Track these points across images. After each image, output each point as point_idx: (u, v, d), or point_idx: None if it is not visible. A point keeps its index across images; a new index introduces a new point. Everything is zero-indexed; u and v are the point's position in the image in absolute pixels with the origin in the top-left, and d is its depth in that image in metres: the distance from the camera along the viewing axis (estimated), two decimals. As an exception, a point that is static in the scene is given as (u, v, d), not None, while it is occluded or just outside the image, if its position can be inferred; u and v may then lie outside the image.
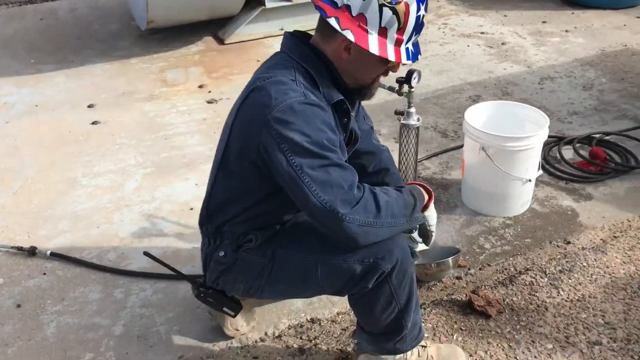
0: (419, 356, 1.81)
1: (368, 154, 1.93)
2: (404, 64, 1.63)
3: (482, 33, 4.62)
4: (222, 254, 1.73)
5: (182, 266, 2.32)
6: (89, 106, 3.66)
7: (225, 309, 1.88)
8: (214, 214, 1.74)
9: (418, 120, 2.14)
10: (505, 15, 4.95)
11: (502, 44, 4.41)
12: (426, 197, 1.81)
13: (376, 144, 1.98)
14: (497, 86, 3.77)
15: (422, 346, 1.83)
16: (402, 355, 1.78)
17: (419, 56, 1.65)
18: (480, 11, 5.07)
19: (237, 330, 2.01)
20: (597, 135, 3.11)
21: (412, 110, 2.12)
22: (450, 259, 2.11)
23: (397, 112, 2.18)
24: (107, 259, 2.41)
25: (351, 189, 1.51)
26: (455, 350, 1.88)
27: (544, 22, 4.79)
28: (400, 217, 1.61)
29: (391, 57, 1.56)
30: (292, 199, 1.57)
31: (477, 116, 2.61)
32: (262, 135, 1.52)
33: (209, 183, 1.78)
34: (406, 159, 2.24)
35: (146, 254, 1.88)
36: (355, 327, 1.88)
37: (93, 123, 3.46)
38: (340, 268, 1.62)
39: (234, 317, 1.91)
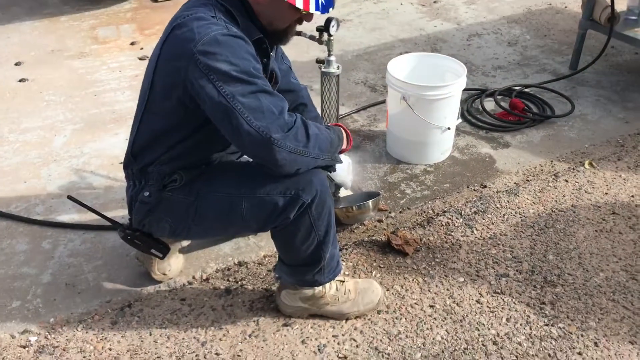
0: (337, 290, 1.92)
1: (288, 92, 2.00)
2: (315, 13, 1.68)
3: (415, -9, 4.70)
4: (146, 194, 1.77)
5: (112, 217, 2.35)
6: (17, 64, 3.58)
7: (153, 250, 1.93)
8: (139, 155, 1.77)
9: (338, 68, 2.21)
10: (438, -25, 5.04)
11: (434, 2, 4.50)
12: (345, 142, 1.89)
13: (295, 82, 2.05)
14: (427, 42, 3.88)
15: (340, 281, 1.94)
16: (321, 288, 1.88)
17: (331, 8, 1.70)
18: (415, -30, 5.14)
19: (165, 274, 2.07)
20: (517, 88, 3.26)
21: (332, 58, 2.19)
22: (370, 202, 2.22)
23: (318, 61, 2.24)
24: (35, 212, 2.42)
25: (282, 114, 1.57)
26: (371, 283, 2.00)
27: (475, -19, 4.91)
28: (325, 152, 1.70)
29: (299, 4, 1.61)
30: (222, 131, 1.60)
31: (400, 68, 2.70)
32: (190, 70, 1.54)
33: (133, 125, 1.80)
34: (328, 107, 2.31)
35: (70, 197, 1.89)
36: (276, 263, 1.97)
37: (20, 80, 3.39)
38: (264, 201, 1.69)
39: (162, 258, 1.96)
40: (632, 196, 2.49)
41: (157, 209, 1.79)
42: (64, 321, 1.94)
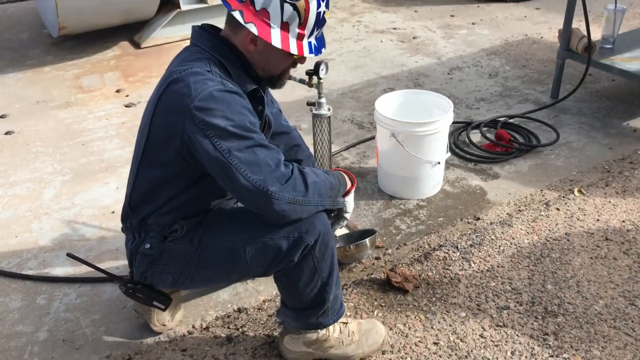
0: (340, 332, 1.90)
1: (281, 135, 2.03)
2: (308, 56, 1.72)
3: (394, 28, 4.80)
4: (147, 246, 1.76)
5: (107, 268, 2.32)
6: (2, 116, 3.56)
7: (155, 302, 1.90)
8: (138, 207, 1.76)
9: (329, 110, 2.24)
10: (415, 11, 5.16)
11: (414, 38, 4.60)
12: (349, 184, 1.90)
13: (286, 124, 2.08)
14: (409, 78, 3.94)
15: (344, 323, 1.93)
16: (324, 331, 1.87)
17: (323, 49, 1.74)
18: (392, 8, 5.27)
19: (164, 325, 2.04)
20: (502, 119, 3.32)
21: (323, 100, 2.21)
22: (367, 240, 2.22)
23: (309, 104, 2.27)
24: (27, 267, 2.38)
25: (278, 167, 1.59)
26: (375, 324, 1.99)
27: (452, 15, 5.04)
28: (326, 197, 1.71)
29: (293, 50, 1.64)
30: (220, 183, 1.62)
31: (388, 105, 2.74)
32: (186, 125, 1.56)
33: (130, 177, 1.80)
34: (321, 148, 2.33)
35: (70, 255, 1.87)
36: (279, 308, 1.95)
37: (7, 133, 3.37)
38: (267, 245, 1.69)
39: (164, 310, 1.94)
40: (623, 221, 2.53)
41: (159, 260, 1.77)
42: (63, 380, 1.89)
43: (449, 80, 3.90)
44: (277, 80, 1.78)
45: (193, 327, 2.09)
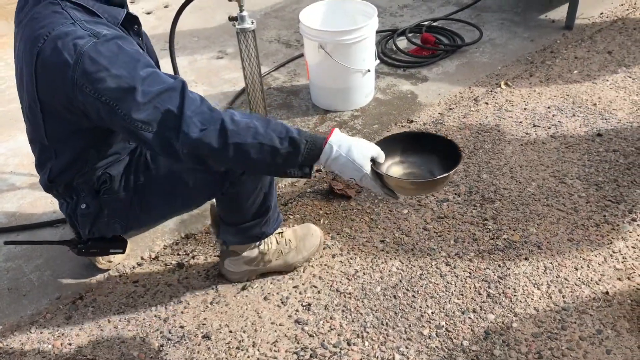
0: (277, 243, 1.92)
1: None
2: None
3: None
4: (83, 206, 1.71)
5: (43, 214, 2.26)
6: None
7: (112, 250, 1.87)
8: (58, 177, 1.67)
9: (252, 23, 2.17)
10: None
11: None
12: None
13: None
14: (332, -8, 3.87)
15: (279, 233, 1.94)
16: (263, 245, 1.88)
17: None
18: None
19: (111, 262, 2.01)
20: (426, 23, 3.33)
21: (245, 14, 2.14)
22: (452, 172, 1.49)
23: (230, 18, 2.19)
24: (-43, 224, 2.28)
25: (181, 112, 1.37)
26: (309, 227, 2.01)
27: None
28: (265, 130, 1.41)
29: None
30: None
31: (313, 17, 2.69)
32: (78, 96, 1.40)
33: (39, 160, 1.69)
34: (249, 64, 2.27)
35: (9, 242, 1.81)
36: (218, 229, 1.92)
37: None
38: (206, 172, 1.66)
39: (123, 253, 1.90)
40: (548, 107, 2.63)
41: (102, 214, 1.73)
42: (15, 326, 1.85)
43: (371, -10, 3.85)
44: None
45: (142, 258, 2.07)
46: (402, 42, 3.19)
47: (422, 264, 1.95)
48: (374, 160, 1.49)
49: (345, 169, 1.46)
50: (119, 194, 1.71)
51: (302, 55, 3.10)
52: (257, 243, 1.88)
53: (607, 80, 2.75)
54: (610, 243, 1.98)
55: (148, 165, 1.74)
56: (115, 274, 2.02)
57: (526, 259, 1.94)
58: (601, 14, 3.34)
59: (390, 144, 1.58)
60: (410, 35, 3.22)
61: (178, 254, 2.08)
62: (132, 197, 1.72)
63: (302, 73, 3.04)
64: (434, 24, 3.34)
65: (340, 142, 1.46)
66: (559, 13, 3.33)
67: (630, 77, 2.76)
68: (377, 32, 2.74)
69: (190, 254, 2.07)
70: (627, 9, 3.35)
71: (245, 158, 1.41)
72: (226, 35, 3.40)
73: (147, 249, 2.10)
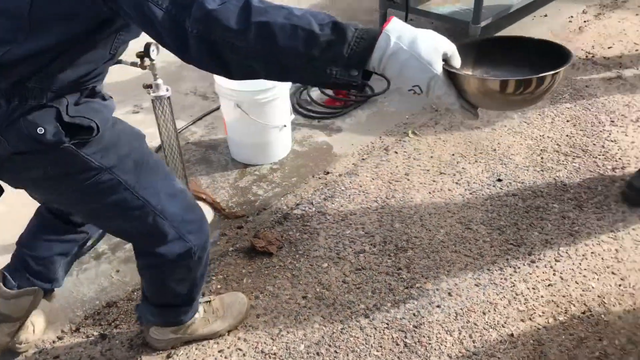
0: (205, 312, 1.94)
1: None
2: None
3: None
4: (41, 131, 1.32)
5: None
6: None
7: None
8: (14, 65, 1.26)
9: (167, 90, 2.22)
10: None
11: None
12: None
13: None
14: (246, 42, 3.96)
15: (207, 301, 1.98)
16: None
17: None
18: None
19: (28, 343, 1.96)
20: (338, 73, 3.48)
21: (159, 81, 2.19)
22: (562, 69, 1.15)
23: (145, 86, 2.23)
24: None
25: None
26: (236, 295, 2.05)
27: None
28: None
29: None
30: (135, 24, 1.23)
31: (227, 75, 2.76)
32: None
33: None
34: (166, 130, 2.31)
35: None
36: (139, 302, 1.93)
37: None
38: (155, 221, 1.58)
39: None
40: (453, 154, 2.82)
41: (47, 158, 1.39)
42: None
43: (284, 39, 3.98)
44: None
45: (62, 331, 2.04)
46: (315, 93, 3.32)
47: (343, 318, 2.04)
48: (446, 60, 1.12)
49: (408, 68, 1.08)
50: (89, 150, 1.41)
51: (218, 108, 3.16)
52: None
53: (505, 126, 2.99)
54: (513, 286, 2.15)
55: (138, 165, 1.54)
56: (34, 350, 1.97)
57: (438, 306, 2.07)
58: (497, 61, 3.61)
59: (461, 52, 1.16)
60: (323, 85, 3.35)
61: (100, 324, 2.06)
62: (95, 169, 1.44)
63: (219, 126, 3.10)
64: (345, 73, 3.49)
65: (400, 31, 1.09)
66: (459, 61, 3.57)
67: (525, 122, 3.01)
68: (291, 84, 2.85)
69: (113, 323, 2.06)
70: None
71: (271, 45, 1.08)
72: (141, 88, 3.40)
73: (67, 321, 2.07)
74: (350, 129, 3.06)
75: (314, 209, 2.53)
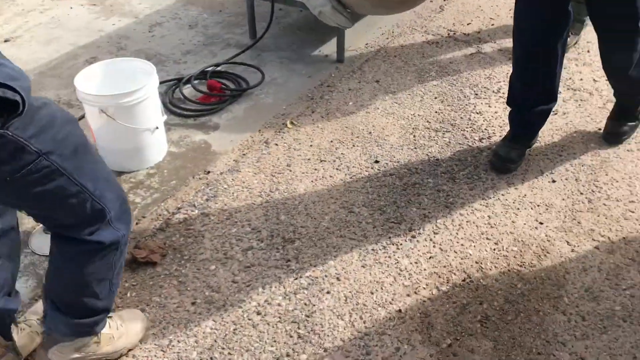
0: (110, 327, 1.85)
1: None
2: None
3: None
4: None
5: None
6: None
7: None
8: None
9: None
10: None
11: (105, -1, 4.37)
12: None
13: None
14: (111, 43, 3.78)
15: (109, 317, 1.88)
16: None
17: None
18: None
19: None
20: (210, 68, 3.41)
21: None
22: None
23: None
24: None
25: None
26: (134, 312, 1.99)
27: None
28: None
29: None
30: None
31: (89, 81, 2.61)
32: None
33: None
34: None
35: None
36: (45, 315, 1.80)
37: None
38: (92, 202, 1.55)
39: None
40: (331, 141, 2.85)
41: None
42: None
43: (152, 38, 3.84)
44: None
45: None
46: (188, 91, 3.23)
47: (235, 318, 2.01)
48: None
49: None
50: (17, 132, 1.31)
51: (84, 116, 2.99)
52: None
53: (378, 108, 3.07)
54: (397, 262, 2.22)
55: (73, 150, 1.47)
56: None
57: (328, 292, 2.10)
58: (366, 44, 3.70)
59: None
60: (196, 82, 3.27)
61: (-30, 364, 1.89)
62: (31, 153, 1.36)
63: (87, 134, 2.92)
64: (218, 68, 3.43)
65: None
66: (330, 47, 3.62)
67: (397, 103, 3.10)
68: (162, 82, 2.75)
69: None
70: (387, 38, 3.75)
71: None
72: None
73: None
74: (228, 125, 3.01)
75: (196, 211, 2.47)
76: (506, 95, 2.68)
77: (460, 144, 2.80)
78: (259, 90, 3.26)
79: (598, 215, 2.40)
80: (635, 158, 2.68)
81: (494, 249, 2.27)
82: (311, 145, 2.83)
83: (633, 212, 2.41)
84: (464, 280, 2.15)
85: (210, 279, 2.16)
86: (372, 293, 2.10)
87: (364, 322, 1.99)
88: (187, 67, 3.50)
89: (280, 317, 2.01)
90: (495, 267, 2.20)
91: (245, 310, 2.04)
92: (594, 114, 2.97)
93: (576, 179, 2.58)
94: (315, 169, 2.68)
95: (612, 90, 2.74)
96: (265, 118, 3.05)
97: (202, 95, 3.19)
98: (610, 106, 2.89)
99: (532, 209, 2.44)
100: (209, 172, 2.70)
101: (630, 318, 2.00)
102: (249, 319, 2.01)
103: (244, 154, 2.80)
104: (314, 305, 2.05)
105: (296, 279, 2.15)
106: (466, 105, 3.06)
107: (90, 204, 1.54)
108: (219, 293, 2.11)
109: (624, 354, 1.89)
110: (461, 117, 2.97)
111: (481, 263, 2.21)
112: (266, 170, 2.68)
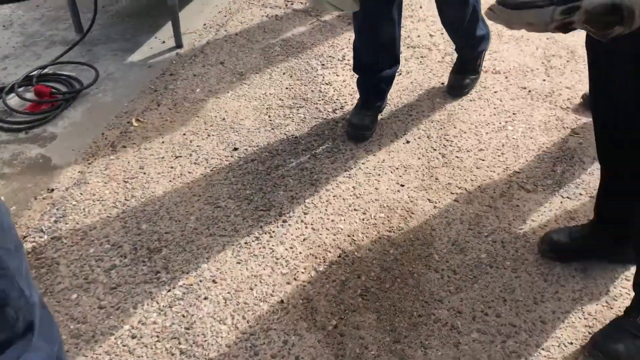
0: None
1: None
2: None
3: None
4: None
5: None
6: None
7: None
8: None
9: None
10: None
11: None
12: None
13: None
14: None
15: None
16: None
17: None
18: None
19: None
20: (35, 73, 3.07)
21: None
22: None
23: None
24: None
25: None
26: None
27: None
28: None
29: None
30: None
31: None
32: None
33: None
34: None
35: None
36: None
37: None
38: None
39: None
40: (184, 134, 2.70)
41: None
42: None
43: (-41, 45, 3.38)
44: None
45: None
46: (14, 100, 2.89)
47: (108, 348, 1.86)
48: None
49: None
50: None
51: None
52: None
53: (228, 92, 2.95)
54: (273, 251, 2.16)
55: None
56: None
57: (206, 298, 2.00)
58: (204, 25, 3.53)
59: None
60: (21, 90, 2.94)
61: None
62: None
63: None
64: (45, 71, 3.10)
65: None
66: (167, 32, 3.41)
67: (246, 84, 3.00)
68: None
69: None
70: (225, 16, 3.61)
71: None
72: None
73: None
74: (67, 133, 2.74)
75: (45, 236, 2.23)
76: (352, 62, 2.69)
77: (315, 118, 2.78)
78: (95, 90, 3.00)
79: (453, 169, 2.50)
80: (478, 107, 2.83)
81: (363, 219, 2.29)
82: (163, 142, 2.66)
83: (483, 159, 2.55)
84: (339, 257, 2.15)
85: (73, 309, 1.97)
86: (251, 289, 2.04)
87: (248, 322, 1.93)
88: (8, 73, 3.13)
89: (158, 336, 1.89)
90: (366, 237, 2.23)
91: (118, 336, 1.89)
92: (435, 69, 3.09)
93: (428, 136, 2.67)
94: (172, 167, 2.53)
95: (451, 44, 2.85)
96: (107, 119, 2.81)
97: (31, 103, 2.87)
98: (448, 59, 3.01)
99: (392, 172, 2.49)
100: (52, 189, 2.44)
101: (495, 263, 2.12)
102: (124, 345, 1.86)
103: (89, 163, 2.56)
104: (193, 315, 1.95)
105: (169, 290, 2.03)
106: (315, 77, 3.04)
107: None
108: (85, 324, 1.93)
109: (495, 299, 2.00)
110: (312, 91, 2.94)
111: (353, 236, 2.23)
112: (117, 177, 2.48)
